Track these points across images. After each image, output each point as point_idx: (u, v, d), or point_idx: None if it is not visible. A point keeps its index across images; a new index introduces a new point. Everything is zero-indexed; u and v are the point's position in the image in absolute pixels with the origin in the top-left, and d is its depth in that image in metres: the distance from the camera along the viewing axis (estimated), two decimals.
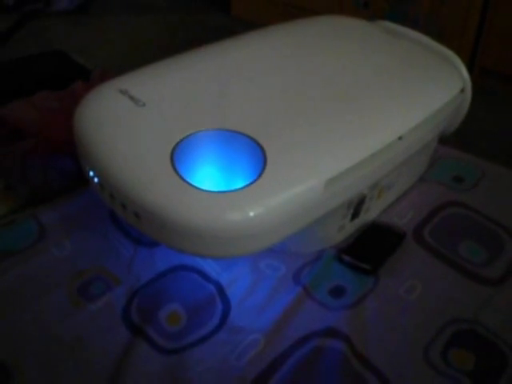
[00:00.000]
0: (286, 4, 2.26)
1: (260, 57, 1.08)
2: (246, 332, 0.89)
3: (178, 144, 0.83)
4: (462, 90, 1.14)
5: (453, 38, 1.84)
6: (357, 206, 1.02)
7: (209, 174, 0.83)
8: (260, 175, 0.81)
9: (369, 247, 1.03)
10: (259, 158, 0.83)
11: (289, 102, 0.96)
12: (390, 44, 1.20)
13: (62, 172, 1.09)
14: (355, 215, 1.04)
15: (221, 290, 0.95)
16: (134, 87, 0.93)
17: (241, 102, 0.94)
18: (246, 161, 0.84)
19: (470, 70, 1.17)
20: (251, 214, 0.79)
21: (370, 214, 1.09)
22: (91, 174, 0.87)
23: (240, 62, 1.06)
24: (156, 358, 0.84)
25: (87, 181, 0.90)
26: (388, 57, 1.14)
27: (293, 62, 1.07)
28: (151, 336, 0.87)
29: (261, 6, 2.30)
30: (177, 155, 0.81)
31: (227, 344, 0.87)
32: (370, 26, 1.28)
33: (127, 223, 0.86)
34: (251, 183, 0.80)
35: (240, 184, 0.80)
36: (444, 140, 1.27)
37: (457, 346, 0.89)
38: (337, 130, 0.92)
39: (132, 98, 0.91)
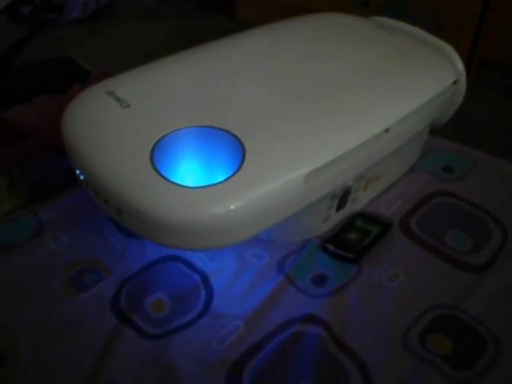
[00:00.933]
0: (289, 5, 2.26)
1: (249, 54, 1.11)
2: (227, 318, 0.92)
3: (157, 142, 0.86)
4: (455, 82, 1.15)
5: (453, 31, 1.83)
6: (342, 197, 1.04)
7: (188, 170, 0.86)
8: (238, 169, 0.83)
9: (353, 236, 1.06)
10: (238, 151, 0.85)
11: (270, 95, 0.98)
12: (382, 38, 1.21)
13: (60, 170, 1.14)
14: (341, 206, 1.06)
15: (205, 278, 0.99)
16: (120, 89, 0.97)
17: (220, 98, 0.97)
18: (224, 156, 0.87)
19: (470, 61, 1.18)
20: (230, 207, 0.81)
21: (357, 204, 1.12)
22: (77, 171, 0.92)
23: (228, 59, 1.09)
24: (141, 342, 0.89)
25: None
26: (379, 50, 1.16)
27: (279, 57, 1.10)
28: (137, 322, 0.91)
29: (265, 9, 2.32)
30: (156, 153, 0.85)
31: (209, 330, 0.91)
32: (364, 22, 1.29)
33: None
34: (229, 177, 0.83)
35: (219, 178, 0.83)
36: (440, 131, 1.29)
37: (435, 330, 0.91)
38: (319, 122, 0.94)
39: (118, 99, 0.94)
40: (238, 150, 0.85)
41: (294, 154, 0.89)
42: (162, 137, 0.87)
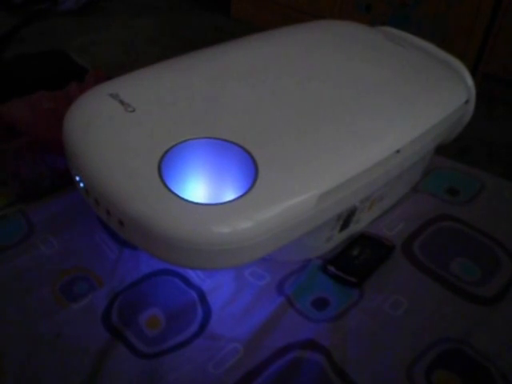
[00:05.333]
0: (285, 6, 2.24)
1: (257, 63, 1.06)
2: (225, 340, 0.89)
3: (166, 152, 0.81)
4: (467, 102, 1.12)
5: (458, 43, 1.81)
6: (347, 218, 1.01)
7: (197, 185, 0.82)
8: (250, 188, 0.79)
9: (355, 259, 1.03)
10: (251, 169, 0.81)
11: (284, 111, 0.94)
12: (392, 52, 1.17)
13: (54, 170, 1.09)
14: (344, 226, 1.03)
15: (202, 296, 0.95)
16: (124, 91, 0.92)
17: (234, 110, 0.92)
18: (236, 172, 0.83)
19: (473, 75, 1.15)
20: (239, 228, 0.77)
21: (360, 224, 1.09)
22: (77, 178, 0.86)
23: (235, 68, 1.04)
24: (133, 361, 0.85)
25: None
26: (390, 65, 1.12)
27: (290, 69, 1.06)
28: (130, 339, 0.87)
29: (260, 8, 2.29)
30: (165, 164, 0.80)
31: (205, 351, 0.87)
32: (372, 32, 1.26)
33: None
34: (241, 196, 0.78)
35: (229, 196, 0.78)
36: (441, 149, 1.24)
37: (442, 366, 0.87)
38: (332, 142, 0.90)
39: (122, 102, 0.89)
40: (251, 168, 0.81)
41: (308, 175, 0.85)
42: (172, 147, 0.82)
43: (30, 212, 1.06)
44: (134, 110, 0.88)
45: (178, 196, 0.77)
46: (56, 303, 0.91)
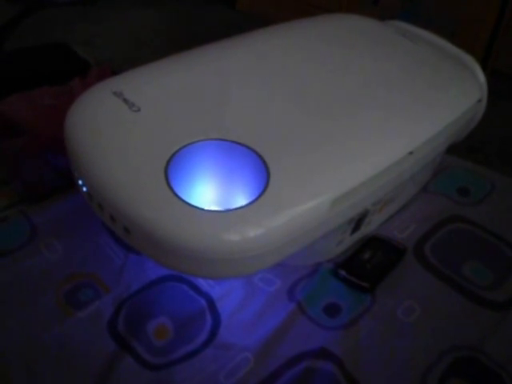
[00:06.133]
0: None
1: (266, 59, 1.03)
2: (235, 349, 0.86)
3: (173, 155, 0.78)
4: (480, 100, 1.08)
5: (467, 38, 1.78)
6: (358, 221, 0.98)
7: (206, 190, 0.79)
8: (262, 193, 0.76)
9: (367, 262, 1.00)
10: (262, 174, 0.77)
11: (295, 112, 0.90)
12: (403, 48, 1.14)
13: (56, 170, 1.06)
14: (356, 229, 1.00)
15: (211, 303, 0.92)
16: (128, 89, 0.88)
17: (244, 111, 0.89)
18: (247, 177, 0.79)
19: (483, 71, 1.13)
20: (250, 236, 0.74)
21: (371, 226, 1.06)
22: (80, 182, 0.83)
23: (244, 65, 1.00)
24: (141, 373, 0.82)
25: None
26: (401, 62, 1.09)
27: (300, 66, 1.02)
28: (137, 350, 0.84)
29: (266, 1, 2.27)
30: (171, 168, 0.77)
31: (216, 361, 0.84)
32: (383, 27, 1.22)
33: None
34: (252, 202, 0.75)
35: (240, 202, 0.75)
36: (451, 148, 1.20)
37: (457, 375, 0.84)
38: (345, 145, 0.87)
39: (126, 101, 0.85)
40: (263, 172, 0.77)
41: (321, 180, 0.82)
42: (179, 149, 0.79)
43: (32, 214, 1.03)
44: (138, 110, 0.85)
45: (186, 202, 0.74)
46: (60, 311, 0.88)
